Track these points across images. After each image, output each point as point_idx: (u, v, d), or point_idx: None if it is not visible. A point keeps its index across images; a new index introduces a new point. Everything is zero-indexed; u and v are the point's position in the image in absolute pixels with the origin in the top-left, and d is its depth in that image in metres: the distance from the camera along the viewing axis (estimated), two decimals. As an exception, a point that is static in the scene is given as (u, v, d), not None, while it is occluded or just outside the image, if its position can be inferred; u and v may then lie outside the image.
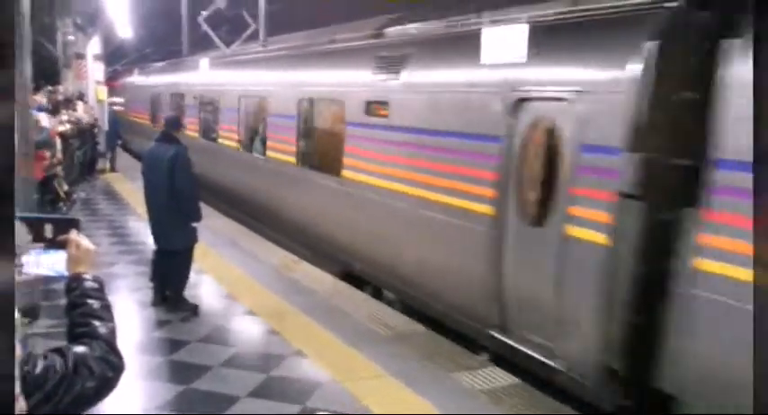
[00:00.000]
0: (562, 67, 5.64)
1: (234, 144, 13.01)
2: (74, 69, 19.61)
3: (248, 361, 5.87)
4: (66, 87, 19.39)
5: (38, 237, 2.19)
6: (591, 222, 5.08)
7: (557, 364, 5.40)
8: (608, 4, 5.55)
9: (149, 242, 7.61)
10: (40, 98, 14.03)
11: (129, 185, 15.55)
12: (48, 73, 20.52)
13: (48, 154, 11.15)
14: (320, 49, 10.53)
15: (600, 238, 4.99)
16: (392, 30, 9.02)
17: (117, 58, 32.54)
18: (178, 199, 6.86)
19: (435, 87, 7.17)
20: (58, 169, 11.81)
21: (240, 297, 7.65)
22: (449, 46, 7.41)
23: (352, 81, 8.82)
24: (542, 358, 5.54)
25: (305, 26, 13.50)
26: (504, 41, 6.07)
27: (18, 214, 2.23)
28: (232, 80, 13.48)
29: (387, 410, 4.96)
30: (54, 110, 13.91)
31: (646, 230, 4.76)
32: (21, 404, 1.48)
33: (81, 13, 19.01)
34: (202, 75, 14.96)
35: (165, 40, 29.23)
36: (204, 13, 14.99)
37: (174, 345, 6.17)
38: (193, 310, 7.02)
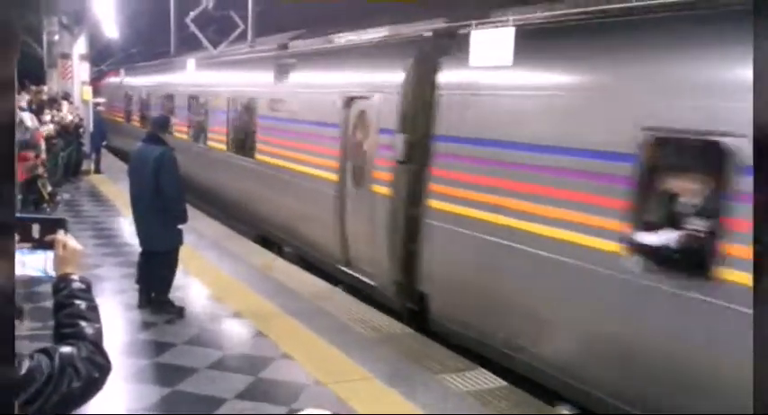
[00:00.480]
0: (369, 76, 8.31)
1: (185, 136, 15.37)
2: (59, 69, 19.47)
3: (235, 363, 5.85)
4: (51, 87, 19.25)
5: (25, 237, 2.17)
6: (384, 182, 7.52)
7: (375, 284, 7.73)
8: (390, 34, 8.65)
9: (135, 243, 7.57)
10: (25, 98, 13.93)
11: (114, 187, 15.46)
12: (32, 72, 20.37)
13: (31, 154, 11.07)
14: (239, 58, 13.72)
15: (388, 192, 7.45)
16: (293, 44, 11.81)
17: (103, 58, 32.37)
18: (164, 201, 6.83)
19: (305, 88, 9.87)
20: (42, 170, 11.73)
21: (226, 299, 7.63)
22: (316, 58, 10.26)
23: (260, 83, 11.45)
24: (367, 280, 7.88)
25: (293, 27, 13.55)
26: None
27: None
28: (184, 82, 16.20)
29: (373, 411, 4.95)
30: (38, 110, 13.83)
31: (409, 184, 7.20)
32: None
33: (67, 12, 18.86)
34: (162, 77, 18.69)
35: (151, 41, 29.08)
36: (192, 14, 14.92)
37: (159, 347, 6.14)
38: (179, 312, 6.99)
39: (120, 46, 30.16)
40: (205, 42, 14.91)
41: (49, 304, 2.05)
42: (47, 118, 14.07)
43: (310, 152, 9.32)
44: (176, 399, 5.13)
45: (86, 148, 17.98)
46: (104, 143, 19.96)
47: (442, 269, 6.77)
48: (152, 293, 7.16)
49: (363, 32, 9.43)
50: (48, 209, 11.51)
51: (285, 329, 6.72)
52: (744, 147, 4.04)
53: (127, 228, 10.30)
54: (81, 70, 19.21)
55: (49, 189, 12.12)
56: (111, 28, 21.59)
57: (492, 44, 6.02)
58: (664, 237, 4.69)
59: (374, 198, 7.65)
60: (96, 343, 1.95)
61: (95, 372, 1.87)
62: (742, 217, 4.08)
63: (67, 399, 1.78)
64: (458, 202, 6.44)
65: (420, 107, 7.11)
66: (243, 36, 14.73)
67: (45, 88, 18.66)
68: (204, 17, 15.21)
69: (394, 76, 7.45)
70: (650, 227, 4.80)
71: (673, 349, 4.56)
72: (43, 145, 12.20)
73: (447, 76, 6.85)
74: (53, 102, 16.18)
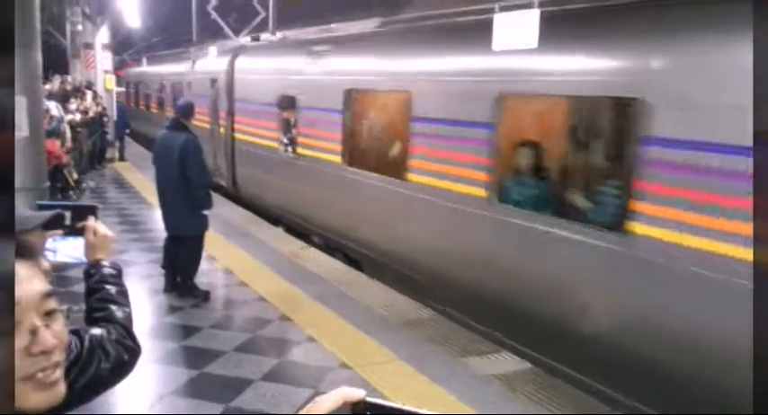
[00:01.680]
0: (215, 63, 14.24)
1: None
2: (82, 59, 19.64)
3: (260, 346, 5.90)
4: (75, 77, 19.44)
5: (57, 225, 2.20)
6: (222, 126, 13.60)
7: (224, 183, 13.35)
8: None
9: (160, 229, 7.64)
10: (50, 87, 14.07)
11: (138, 174, 15.60)
12: (56, 62, 20.57)
13: (58, 142, 11.20)
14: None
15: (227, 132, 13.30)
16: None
17: (125, 48, 32.57)
18: (189, 187, 6.89)
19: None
20: (68, 157, 11.87)
21: (251, 284, 7.68)
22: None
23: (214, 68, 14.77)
24: (222, 183, 13.33)
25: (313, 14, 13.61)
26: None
27: (37, 201, 2.25)
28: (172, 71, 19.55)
29: (399, 394, 4.97)
30: (63, 99, 13.97)
31: (230, 126, 13.35)
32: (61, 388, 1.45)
33: (90, 2, 19.01)
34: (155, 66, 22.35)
35: (172, 29, 29.19)
36: (213, 2, 14.97)
37: (186, 331, 6.22)
38: (205, 296, 7.06)
39: (142, 35, 30.29)
40: (227, 29, 14.95)
41: (78, 288, 2.07)
42: (72, 107, 14.22)
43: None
44: (204, 381, 5.19)
45: (110, 136, 18.16)
46: (127, 131, 20.13)
47: (243, 171, 12.88)
48: (178, 277, 7.23)
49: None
50: (74, 196, 11.65)
51: (310, 312, 6.76)
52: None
53: (152, 214, 10.40)
54: (104, 59, 19.37)
55: (75, 176, 12.26)
56: (132, 17, 21.73)
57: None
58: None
59: (220, 137, 13.69)
60: (126, 326, 1.96)
61: (125, 354, 1.88)
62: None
63: (96, 381, 1.78)
64: (245, 134, 12.56)
65: (231, 81, 13.16)
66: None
67: (69, 78, 18.86)
68: (226, 5, 15.25)
69: (224, 65, 13.50)
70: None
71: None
72: (69, 134, 12.34)
73: (237, 65, 13.03)
74: (77, 92, 16.34)
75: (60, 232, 2.17)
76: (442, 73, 7.14)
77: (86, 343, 1.78)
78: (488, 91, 6.32)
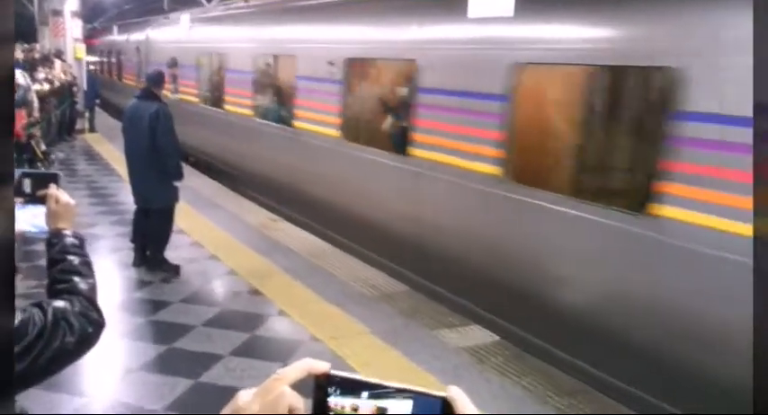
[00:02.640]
0: (140, 35, 19.75)
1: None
2: (51, 26, 19.18)
3: (231, 321, 5.88)
4: (44, 45, 18.99)
5: (17, 192, 2.15)
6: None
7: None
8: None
9: (130, 202, 7.54)
10: (17, 56, 13.72)
11: (108, 146, 15.38)
12: (24, 30, 20.07)
13: (24, 112, 10.96)
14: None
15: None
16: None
17: (97, 15, 31.86)
18: (159, 157, 6.77)
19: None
20: (36, 128, 11.63)
21: (222, 257, 7.63)
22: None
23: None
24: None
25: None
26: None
27: None
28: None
29: (370, 367, 4.99)
30: (31, 68, 13.65)
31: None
32: None
33: (57, -33, 18.52)
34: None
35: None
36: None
37: (155, 305, 6.16)
38: (175, 270, 7.00)
39: (113, 2, 29.62)
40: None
41: (44, 262, 2.03)
42: (40, 76, 13.91)
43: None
44: (173, 355, 5.16)
45: (80, 106, 17.83)
46: (97, 101, 19.79)
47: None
48: (147, 251, 7.16)
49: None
50: (42, 168, 11.44)
51: (281, 286, 6.73)
52: None
53: (122, 187, 10.27)
54: (73, 27, 18.93)
55: (43, 147, 12.04)
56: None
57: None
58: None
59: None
60: (90, 298, 1.92)
61: (89, 327, 1.85)
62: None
63: (61, 354, 1.76)
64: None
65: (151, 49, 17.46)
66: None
67: (37, 46, 18.42)
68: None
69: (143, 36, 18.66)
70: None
71: None
72: (36, 104, 12.08)
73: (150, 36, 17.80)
74: (45, 60, 15.97)
75: (21, 200, 2.12)
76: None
77: (50, 316, 1.74)
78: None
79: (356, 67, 8.53)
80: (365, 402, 0.84)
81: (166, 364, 5.02)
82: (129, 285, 6.71)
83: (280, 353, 5.23)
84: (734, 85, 4.11)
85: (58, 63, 16.22)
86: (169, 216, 7.13)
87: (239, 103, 11.52)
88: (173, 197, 7.05)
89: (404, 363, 5.10)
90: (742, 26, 3.99)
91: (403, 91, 8.26)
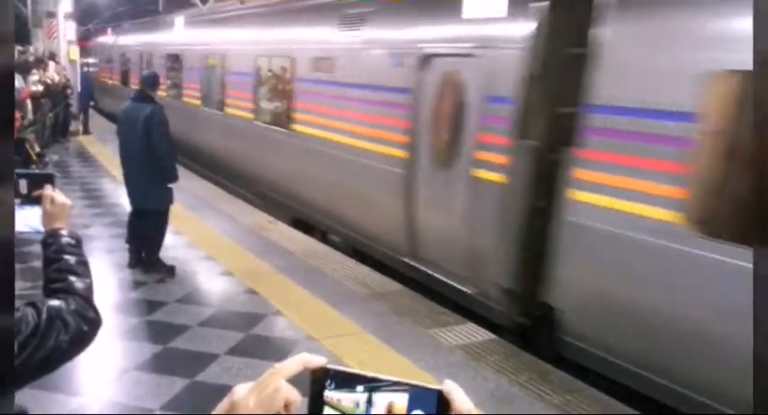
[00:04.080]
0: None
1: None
2: (45, 28, 19.15)
3: (226, 320, 5.89)
4: (37, 47, 18.96)
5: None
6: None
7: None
8: None
9: (125, 204, 7.54)
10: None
11: (102, 148, 15.35)
12: (17, 32, 19.98)
13: (18, 115, 10.95)
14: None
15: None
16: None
17: (90, 18, 31.81)
18: (154, 159, 6.78)
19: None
20: (29, 131, 11.62)
21: (217, 258, 7.64)
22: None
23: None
24: None
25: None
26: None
27: None
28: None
29: (366, 366, 5.01)
30: (24, 70, 13.63)
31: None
32: None
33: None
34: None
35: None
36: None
37: (151, 305, 6.17)
38: (170, 271, 7.00)
39: (107, 4, 29.59)
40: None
41: (39, 264, 2.03)
42: (34, 78, 13.89)
43: None
44: (168, 355, 5.17)
45: (74, 109, 17.79)
46: (92, 103, 19.75)
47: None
48: (142, 252, 7.16)
49: None
50: (36, 171, 11.43)
51: (277, 286, 6.74)
52: None
53: (116, 188, 10.25)
54: (67, 29, 18.90)
55: (37, 149, 12.03)
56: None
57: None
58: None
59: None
60: (86, 297, 1.92)
61: (85, 325, 1.85)
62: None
63: (55, 353, 1.76)
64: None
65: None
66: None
67: (31, 48, 18.39)
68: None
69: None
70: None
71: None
72: (30, 106, 12.07)
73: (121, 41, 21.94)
74: (39, 62, 15.95)
75: (17, 201, 2.13)
76: None
77: (44, 315, 1.75)
78: None
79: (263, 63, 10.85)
80: (361, 396, 0.84)
81: (163, 363, 5.03)
82: (125, 285, 6.70)
83: (276, 352, 5.24)
84: None
85: (51, 65, 16.20)
86: (164, 218, 7.13)
87: (193, 96, 14.26)
88: (168, 198, 7.05)
89: (399, 361, 5.12)
90: None
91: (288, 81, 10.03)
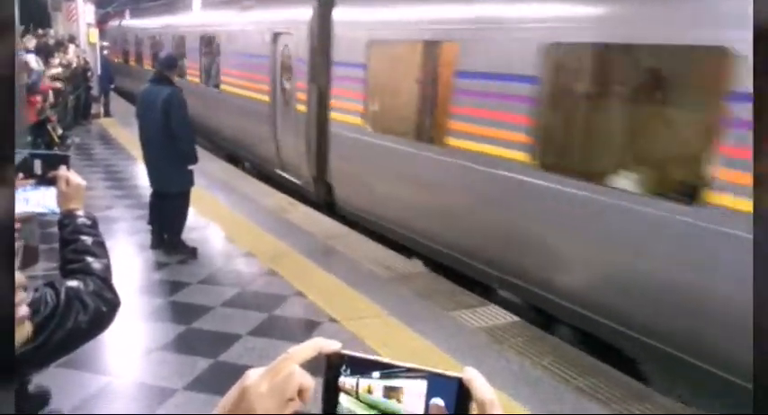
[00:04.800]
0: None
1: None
2: (64, 11, 19.21)
3: (248, 301, 5.90)
4: (57, 30, 19.03)
5: (27, 174, 2.15)
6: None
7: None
8: None
9: (146, 185, 7.55)
10: (32, 41, 13.76)
11: (123, 130, 15.41)
12: (37, 15, 20.09)
13: (39, 97, 11.00)
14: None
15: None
16: None
17: (109, 1, 31.82)
18: (174, 141, 6.77)
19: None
20: (51, 113, 11.68)
21: (239, 240, 7.65)
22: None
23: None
24: None
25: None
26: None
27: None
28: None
29: (387, 348, 4.99)
30: (45, 53, 13.68)
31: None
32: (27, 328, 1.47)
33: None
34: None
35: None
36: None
37: (174, 286, 6.19)
38: (192, 252, 7.02)
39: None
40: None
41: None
42: (55, 61, 13.94)
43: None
44: (192, 336, 5.19)
45: (94, 91, 17.86)
46: (112, 86, 19.81)
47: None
48: (164, 234, 7.18)
49: None
50: (51, 152, 11.49)
51: (298, 268, 6.74)
52: None
53: (138, 170, 10.29)
54: (86, 12, 18.94)
55: (60, 132, 12.09)
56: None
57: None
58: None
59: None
60: (104, 278, 1.92)
61: (103, 306, 1.84)
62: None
63: (75, 333, 1.75)
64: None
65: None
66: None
67: (51, 31, 18.46)
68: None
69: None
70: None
71: None
72: (50, 89, 12.11)
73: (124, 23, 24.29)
74: (59, 46, 16.01)
75: (32, 181, 2.12)
76: None
77: (62, 296, 1.74)
78: None
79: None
80: (376, 382, 0.81)
81: (186, 344, 5.06)
82: (148, 266, 6.74)
83: (298, 334, 5.25)
84: None
85: (71, 48, 16.25)
86: (185, 200, 7.13)
87: (195, 74, 15.21)
88: (188, 181, 7.05)
89: (422, 343, 5.10)
90: None
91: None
